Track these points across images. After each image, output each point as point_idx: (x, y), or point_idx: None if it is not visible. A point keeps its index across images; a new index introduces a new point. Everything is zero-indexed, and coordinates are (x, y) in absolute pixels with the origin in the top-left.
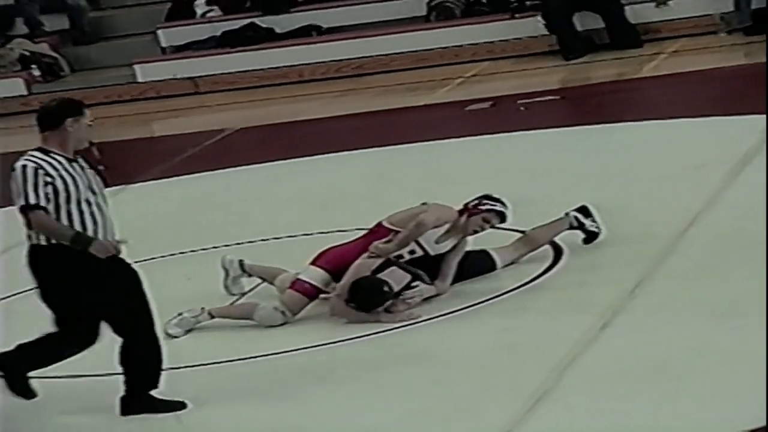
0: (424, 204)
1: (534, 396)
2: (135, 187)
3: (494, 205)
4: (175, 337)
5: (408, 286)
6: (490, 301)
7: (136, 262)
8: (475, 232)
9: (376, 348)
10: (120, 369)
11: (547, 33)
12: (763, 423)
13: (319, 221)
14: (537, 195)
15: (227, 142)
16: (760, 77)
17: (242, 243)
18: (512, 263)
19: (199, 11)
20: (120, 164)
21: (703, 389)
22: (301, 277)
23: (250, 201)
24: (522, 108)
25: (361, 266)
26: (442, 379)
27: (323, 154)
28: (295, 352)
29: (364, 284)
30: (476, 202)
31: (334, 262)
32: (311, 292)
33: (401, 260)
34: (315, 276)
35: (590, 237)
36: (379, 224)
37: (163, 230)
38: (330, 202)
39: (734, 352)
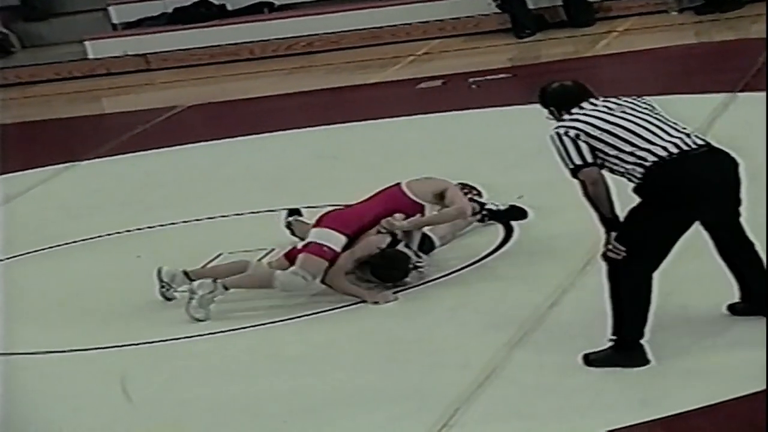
0: (431, 177)
1: (483, 373)
2: (85, 165)
3: (478, 197)
4: (202, 320)
5: (413, 266)
6: (441, 279)
7: (86, 239)
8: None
9: (328, 325)
10: None
11: (498, 11)
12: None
13: (269, 199)
14: (488, 173)
15: (177, 120)
16: (710, 56)
17: (191, 221)
18: (446, 243)
19: None
20: (70, 141)
21: (652, 365)
22: (318, 240)
23: (199, 179)
24: (473, 86)
25: (371, 243)
26: (392, 356)
27: (274, 131)
28: (245, 330)
29: (392, 256)
30: (463, 188)
31: (352, 225)
32: (330, 256)
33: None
34: (335, 241)
35: (516, 214)
36: (397, 186)
37: (113, 207)
38: (280, 180)
39: (681, 329)
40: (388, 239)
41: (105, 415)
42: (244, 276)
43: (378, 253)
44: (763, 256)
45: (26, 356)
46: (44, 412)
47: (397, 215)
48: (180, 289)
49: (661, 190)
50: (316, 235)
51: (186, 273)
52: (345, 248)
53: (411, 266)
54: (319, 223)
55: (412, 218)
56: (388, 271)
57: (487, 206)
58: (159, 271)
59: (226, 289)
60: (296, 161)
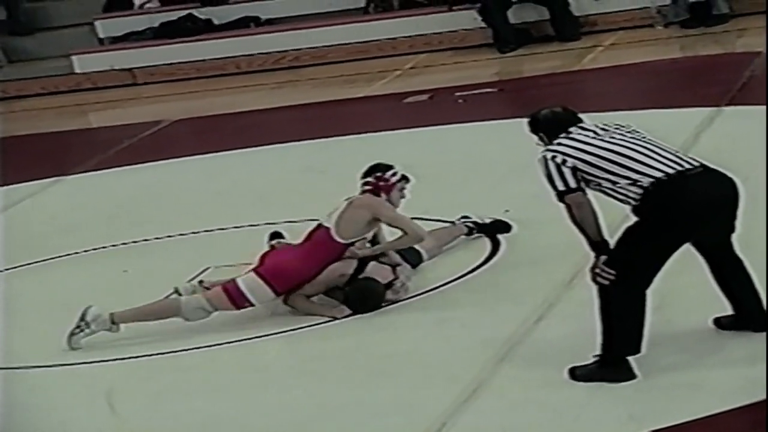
0: (351, 201)
1: (470, 387)
2: (71, 179)
3: (396, 173)
4: (76, 349)
5: (391, 282)
6: (427, 294)
7: (72, 254)
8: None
9: (314, 340)
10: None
11: (484, 26)
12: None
13: (256, 213)
14: (475, 187)
15: (164, 134)
16: (695, 70)
17: (178, 235)
18: (434, 257)
19: (136, 2)
20: (57, 155)
21: (639, 379)
22: (244, 290)
23: (186, 193)
24: (460, 100)
25: (336, 269)
26: (378, 370)
27: (260, 146)
28: (233, 344)
29: (363, 288)
30: (377, 178)
31: (281, 281)
32: (242, 306)
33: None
34: (261, 296)
35: (500, 228)
36: (324, 232)
37: (100, 222)
38: (266, 195)
39: (668, 344)
40: (354, 265)
41: (91, 429)
42: (142, 308)
43: (350, 287)
44: (759, 272)
45: (13, 370)
46: (31, 425)
47: (358, 244)
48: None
49: (661, 209)
50: (248, 282)
51: (112, 317)
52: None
53: (383, 293)
54: (261, 264)
55: (375, 246)
56: (362, 306)
57: (472, 219)
58: (85, 311)
59: (115, 324)
60: (283, 175)
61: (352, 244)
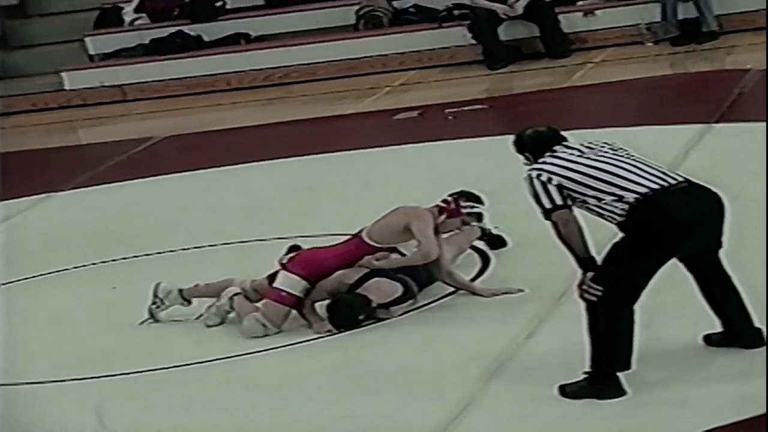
0: (397, 208)
1: (460, 404)
2: (61, 195)
3: (474, 207)
4: (214, 325)
5: (402, 299)
6: (417, 310)
7: (62, 270)
8: (449, 231)
9: (303, 356)
10: None
11: (474, 42)
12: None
13: (245, 230)
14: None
15: (154, 151)
16: (685, 87)
17: (167, 252)
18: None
19: (127, 19)
20: (47, 172)
21: (629, 396)
22: (278, 286)
23: (176, 210)
24: (449, 117)
25: (340, 276)
26: (368, 387)
27: (250, 162)
28: (221, 361)
29: (343, 305)
30: (454, 200)
31: (310, 268)
32: (288, 301)
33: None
34: (291, 284)
35: (496, 242)
36: (360, 233)
37: (90, 239)
38: (256, 211)
39: (657, 360)
40: (361, 273)
41: None
42: (208, 284)
43: (333, 300)
44: (749, 288)
45: (1, 387)
46: None
47: (378, 255)
48: (169, 307)
49: (646, 225)
50: (279, 279)
51: (181, 291)
52: (309, 291)
53: (368, 308)
54: (285, 266)
55: (384, 259)
56: (336, 319)
57: (481, 224)
58: (156, 286)
59: (186, 299)
60: (273, 192)
61: (380, 250)
